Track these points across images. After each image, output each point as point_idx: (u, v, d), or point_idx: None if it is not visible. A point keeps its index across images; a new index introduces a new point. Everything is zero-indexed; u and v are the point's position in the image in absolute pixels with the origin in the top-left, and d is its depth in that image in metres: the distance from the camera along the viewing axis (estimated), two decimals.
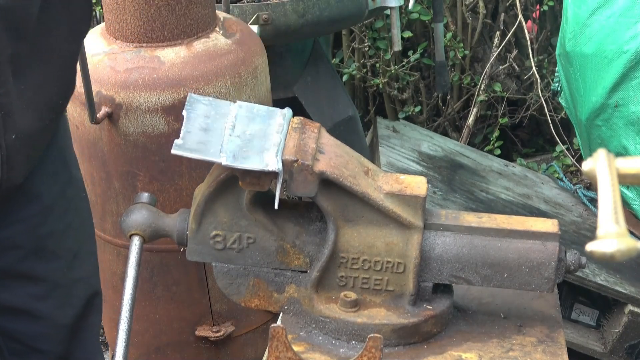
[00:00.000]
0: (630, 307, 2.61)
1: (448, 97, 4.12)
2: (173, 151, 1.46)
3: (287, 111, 1.55)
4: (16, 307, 1.79)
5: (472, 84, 4.05)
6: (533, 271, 1.54)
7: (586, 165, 0.97)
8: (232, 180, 1.50)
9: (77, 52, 1.70)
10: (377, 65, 3.96)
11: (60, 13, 1.58)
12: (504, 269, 1.55)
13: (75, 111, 2.26)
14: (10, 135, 1.54)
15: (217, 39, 2.26)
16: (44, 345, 1.85)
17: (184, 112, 1.51)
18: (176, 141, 1.47)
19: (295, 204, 1.61)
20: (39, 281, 1.78)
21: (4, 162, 1.55)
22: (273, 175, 1.46)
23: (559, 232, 1.55)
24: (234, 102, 1.55)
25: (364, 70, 4.02)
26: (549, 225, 1.56)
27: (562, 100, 3.13)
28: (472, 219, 1.58)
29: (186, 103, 1.53)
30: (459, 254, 1.55)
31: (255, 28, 2.65)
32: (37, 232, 1.74)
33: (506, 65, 3.99)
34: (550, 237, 1.55)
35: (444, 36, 3.61)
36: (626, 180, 0.98)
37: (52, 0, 1.56)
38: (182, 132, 1.48)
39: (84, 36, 1.69)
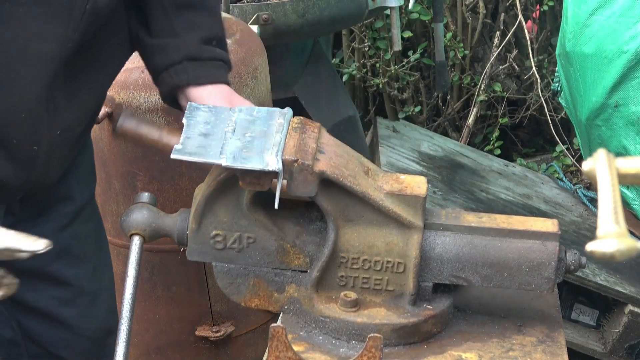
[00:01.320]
0: (630, 307, 2.61)
1: (448, 97, 4.12)
2: (173, 156, 1.46)
3: (287, 111, 1.55)
4: (41, 309, 1.80)
5: (472, 84, 4.05)
6: (533, 271, 1.55)
7: (586, 165, 0.97)
8: (232, 180, 1.50)
9: (120, 67, 1.72)
10: (377, 65, 3.96)
11: (116, 26, 1.62)
12: (504, 268, 1.55)
13: None
14: (56, 131, 1.55)
15: None
16: (64, 352, 1.85)
17: (184, 120, 1.51)
18: (176, 146, 1.47)
19: (295, 204, 1.61)
20: (66, 285, 1.79)
21: (46, 158, 1.56)
22: (273, 175, 1.46)
23: (559, 232, 1.55)
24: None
25: (364, 70, 4.02)
26: (549, 225, 1.56)
27: (562, 100, 3.13)
28: (472, 218, 1.58)
29: (186, 111, 1.54)
30: (459, 254, 1.55)
31: (255, 28, 2.65)
32: (63, 233, 1.75)
33: (506, 65, 4.00)
34: (550, 237, 1.55)
35: (444, 36, 3.61)
36: (626, 180, 0.98)
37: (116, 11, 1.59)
38: (181, 138, 1.48)
39: (128, 56, 1.73)
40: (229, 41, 2.28)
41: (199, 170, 2.17)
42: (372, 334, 1.40)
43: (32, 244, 1.42)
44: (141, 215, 1.58)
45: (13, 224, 1.48)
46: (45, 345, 1.83)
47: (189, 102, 1.57)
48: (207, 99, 1.62)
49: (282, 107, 1.57)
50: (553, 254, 1.54)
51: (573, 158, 3.82)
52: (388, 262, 1.55)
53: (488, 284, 1.57)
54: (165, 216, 1.60)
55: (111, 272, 1.98)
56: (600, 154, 0.97)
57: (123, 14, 1.66)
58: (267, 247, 1.56)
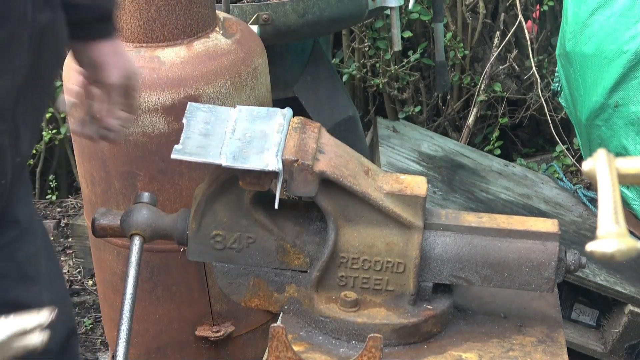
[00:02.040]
0: (630, 307, 2.61)
1: (448, 97, 4.12)
2: (173, 156, 1.47)
3: (287, 111, 1.55)
4: None
5: (472, 84, 4.05)
6: (533, 271, 1.55)
7: (586, 165, 0.97)
8: (232, 180, 1.50)
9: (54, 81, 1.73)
10: (377, 65, 3.96)
11: (51, 40, 1.62)
12: (504, 269, 1.55)
13: None
14: (17, 158, 1.55)
15: (217, 39, 2.26)
16: None
17: (184, 120, 1.51)
18: (176, 146, 1.47)
19: (295, 204, 1.61)
20: (25, 308, 1.78)
21: (10, 187, 1.55)
22: (273, 175, 1.46)
23: (559, 232, 1.55)
24: (234, 107, 1.56)
25: (364, 70, 4.02)
26: (549, 225, 1.57)
27: (562, 100, 3.13)
28: (472, 219, 1.58)
29: (186, 111, 1.54)
30: (459, 254, 1.55)
31: (255, 28, 2.65)
32: (16, 258, 1.74)
33: (506, 65, 3.99)
34: (550, 237, 1.55)
35: (444, 36, 3.61)
36: (626, 180, 0.98)
37: (56, 21, 1.59)
38: (182, 138, 1.49)
39: (62, 67, 1.73)
40: (229, 41, 2.28)
41: (199, 170, 2.17)
42: (372, 334, 1.40)
43: (35, 317, 1.33)
44: (141, 215, 1.58)
45: None
46: None
47: (189, 103, 1.57)
48: (106, 55, 1.65)
49: (282, 107, 1.57)
50: (553, 254, 1.54)
51: (573, 158, 3.82)
52: (388, 262, 1.55)
53: (488, 284, 1.57)
54: (165, 216, 1.60)
55: (63, 280, 1.96)
56: (600, 154, 0.97)
57: (65, 33, 1.66)
58: (267, 247, 1.56)
